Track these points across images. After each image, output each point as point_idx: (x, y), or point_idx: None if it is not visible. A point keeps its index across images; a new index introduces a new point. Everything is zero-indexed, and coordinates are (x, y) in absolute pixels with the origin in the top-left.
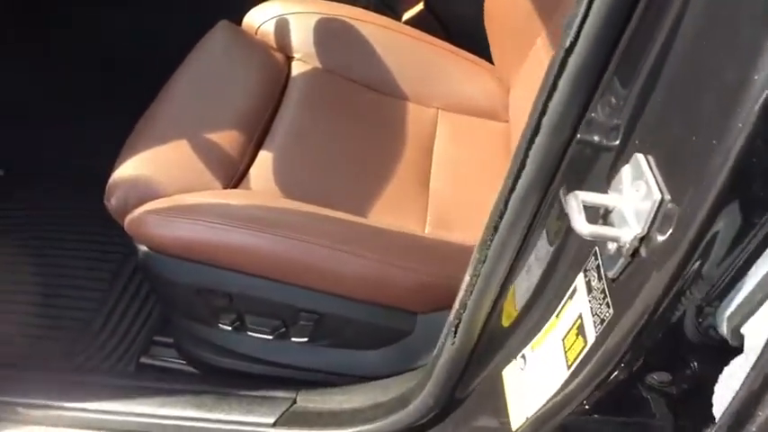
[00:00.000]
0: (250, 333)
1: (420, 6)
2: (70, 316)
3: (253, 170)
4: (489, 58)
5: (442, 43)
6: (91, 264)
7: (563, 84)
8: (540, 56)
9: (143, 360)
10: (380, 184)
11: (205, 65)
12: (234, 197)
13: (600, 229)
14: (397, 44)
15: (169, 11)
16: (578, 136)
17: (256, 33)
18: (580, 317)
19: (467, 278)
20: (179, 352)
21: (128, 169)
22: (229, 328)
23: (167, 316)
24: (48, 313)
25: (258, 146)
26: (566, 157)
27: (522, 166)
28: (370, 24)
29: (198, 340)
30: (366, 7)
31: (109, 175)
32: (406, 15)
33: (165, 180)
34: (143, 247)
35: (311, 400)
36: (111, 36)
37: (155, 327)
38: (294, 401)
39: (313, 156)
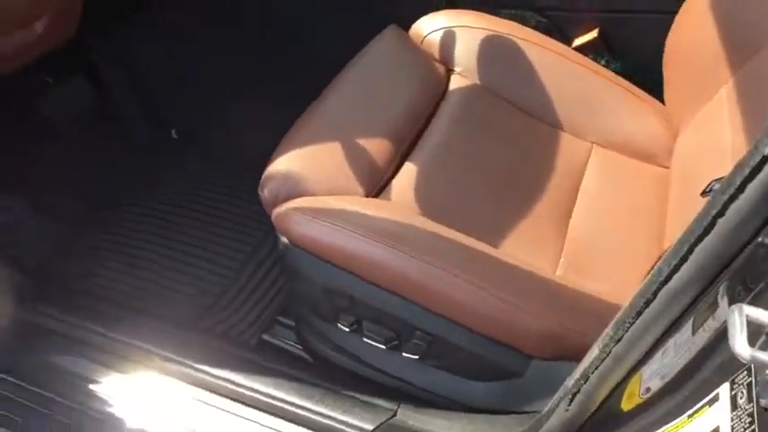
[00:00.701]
0: (365, 338)
1: (594, 34)
2: (208, 280)
3: (395, 181)
4: (660, 97)
5: (609, 74)
6: (236, 235)
7: (752, 189)
8: (721, 108)
9: (264, 337)
10: (519, 213)
11: (370, 68)
12: (373, 208)
13: (765, 357)
14: (562, 70)
15: (341, 10)
16: (759, 239)
17: (422, 42)
18: (717, 430)
19: (595, 351)
20: (297, 337)
21: (282, 164)
22: (347, 329)
23: (293, 302)
24: (189, 272)
25: (405, 157)
26: (737, 258)
27: (683, 261)
28: (536, 46)
29: (316, 332)
30: (536, 28)
31: (259, 161)
32: (578, 41)
33: (313, 180)
34: (284, 239)
35: (411, 417)
36: (282, 25)
37: (279, 307)
38: (395, 414)
39: (456, 174)
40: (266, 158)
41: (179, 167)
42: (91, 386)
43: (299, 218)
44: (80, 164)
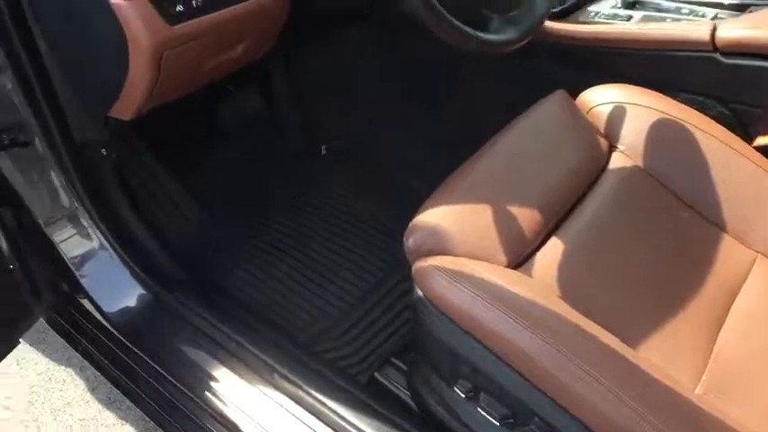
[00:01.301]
0: (479, 408)
1: None
2: (332, 302)
3: (539, 254)
4: None
5: None
6: (366, 262)
7: None
8: None
9: (376, 375)
10: (663, 315)
11: (531, 130)
12: (514, 282)
13: None
14: (738, 168)
15: (512, 65)
16: None
17: (588, 112)
18: None
19: None
20: (408, 385)
21: (432, 217)
22: (462, 395)
23: (413, 350)
24: (315, 290)
25: (553, 230)
26: None
27: None
28: (712, 138)
29: (429, 387)
30: (716, 119)
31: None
32: (761, 141)
33: (460, 240)
34: (420, 292)
35: None
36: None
37: (396, 347)
38: None
39: (603, 260)
40: (409, 195)
41: (325, 184)
42: (208, 381)
43: (440, 278)
44: (239, 166)
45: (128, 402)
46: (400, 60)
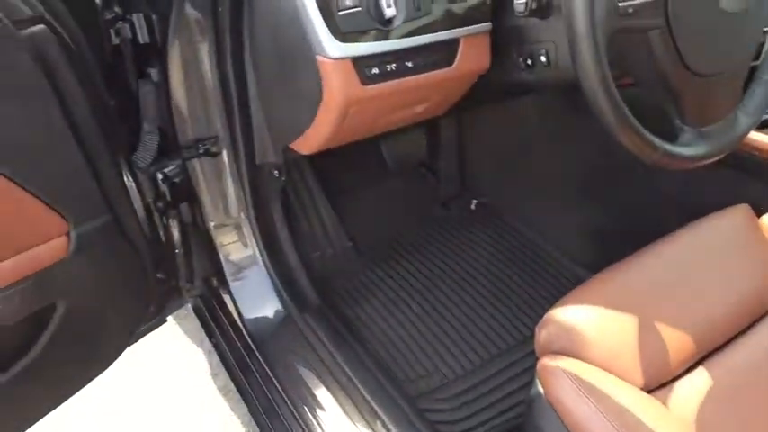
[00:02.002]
0: None
1: None
2: (447, 361)
3: (681, 383)
4: None
5: None
6: (495, 328)
7: None
8: None
9: None
10: None
11: (703, 242)
12: (648, 410)
13: None
14: None
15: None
16: None
17: None
18: None
19: None
20: None
21: (569, 313)
22: None
23: None
24: (432, 343)
25: (703, 359)
26: None
27: None
28: None
29: None
30: None
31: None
32: None
33: (596, 347)
34: (540, 388)
35: None
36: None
37: (504, 429)
38: None
39: (753, 408)
40: (552, 274)
41: (469, 239)
42: (312, 403)
43: (567, 384)
44: (391, 204)
45: (239, 396)
46: (569, 138)
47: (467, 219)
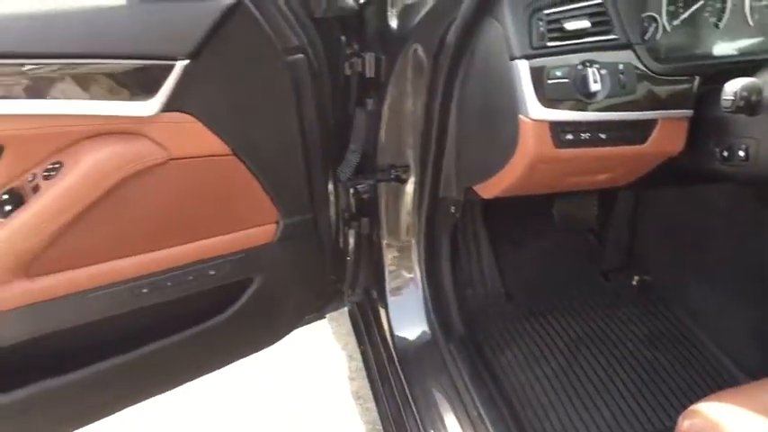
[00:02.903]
0: None
1: None
2: (577, 428)
3: None
4: None
5: None
6: (632, 407)
7: None
8: None
9: None
10: None
11: None
12: None
13: None
14: None
15: None
16: None
17: None
18: None
19: None
20: None
21: (719, 410)
22: None
23: None
24: (564, 406)
25: None
26: None
27: None
28: None
29: None
30: None
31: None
32: None
33: None
34: None
35: None
36: None
37: None
38: None
39: None
40: (707, 366)
41: (622, 313)
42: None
43: None
44: (551, 260)
45: (369, 404)
46: (757, 228)
47: (625, 293)
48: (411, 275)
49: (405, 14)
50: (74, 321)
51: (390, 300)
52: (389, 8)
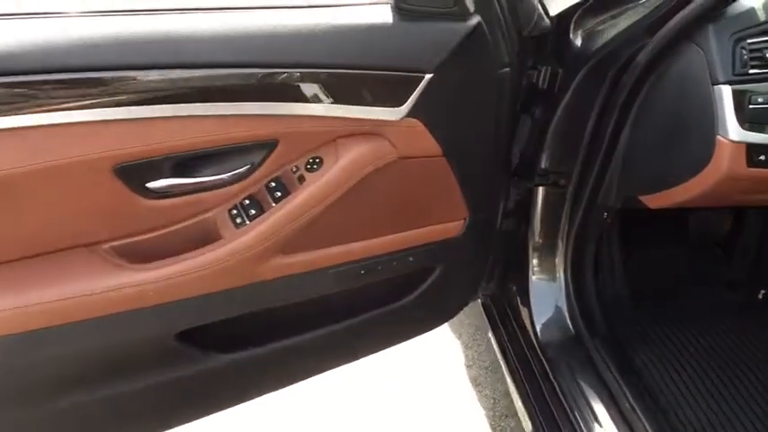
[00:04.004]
0: None
1: None
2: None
3: None
4: None
5: None
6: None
7: None
8: None
9: None
10: None
11: None
12: None
13: None
14: None
15: None
16: None
17: None
18: None
19: None
20: None
21: None
22: None
23: None
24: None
25: None
26: None
27: None
28: None
29: None
30: None
31: None
32: None
33: None
34: None
35: None
36: None
37: None
38: None
39: None
40: None
41: (747, 327)
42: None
43: None
44: (679, 267)
45: (487, 391)
46: None
47: (750, 307)
48: (555, 274)
49: (591, 34)
50: (315, 293)
51: (533, 296)
52: (574, 27)
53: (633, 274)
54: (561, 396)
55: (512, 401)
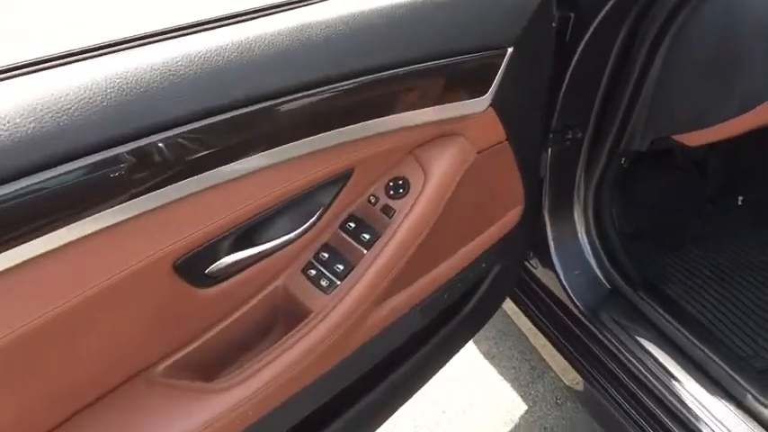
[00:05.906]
0: None
1: None
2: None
3: None
4: None
5: None
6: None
7: None
8: None
9: None
10: None
11: None
12: None
13: None
14: None
15: None
16: None
17: None
18: None
19: None
20: None
21: None
22: None
23: None
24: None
25: None
26: None
27: None
28: None
29: None
30: None
31: None
32: None
33: None
34: None
35: None
36: None
37: None
38: None
39: None
40: None
41: (737, 232)
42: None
43: None
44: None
45: (505, 362)
46: None
47: (735, 215)
48: (575, 232)
49: None
50: (410, 331)
51: (557, 259)
52: None
53: (628, 211)
54: (617, 350)
55: (531, 367)
